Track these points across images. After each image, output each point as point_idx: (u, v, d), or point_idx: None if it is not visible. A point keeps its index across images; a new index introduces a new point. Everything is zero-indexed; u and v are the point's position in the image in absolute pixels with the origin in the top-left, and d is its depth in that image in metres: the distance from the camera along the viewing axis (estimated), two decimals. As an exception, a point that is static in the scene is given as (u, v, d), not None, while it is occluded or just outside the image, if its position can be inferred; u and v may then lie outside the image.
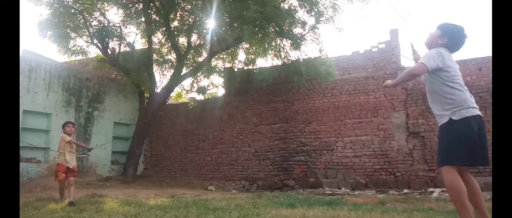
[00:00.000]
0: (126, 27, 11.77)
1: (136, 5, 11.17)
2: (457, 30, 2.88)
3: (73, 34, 11.32)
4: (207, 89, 12.82)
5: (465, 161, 2.71)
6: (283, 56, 10.30)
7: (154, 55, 12.04)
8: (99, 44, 11.38)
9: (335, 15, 9.69)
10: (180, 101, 14.08)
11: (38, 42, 43.41)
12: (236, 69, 11.89)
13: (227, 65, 12.46)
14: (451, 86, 2.75)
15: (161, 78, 12.76)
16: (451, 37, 2.86)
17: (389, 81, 3.18)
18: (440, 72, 2.77)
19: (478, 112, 2.77)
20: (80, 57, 11.93)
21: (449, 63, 2.78)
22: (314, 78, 9.83)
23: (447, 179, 2.66)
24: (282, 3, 9.78)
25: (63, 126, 6.22)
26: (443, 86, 2.78)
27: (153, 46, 11.87)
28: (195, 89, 12.90)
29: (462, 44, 2.91)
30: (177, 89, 13.01)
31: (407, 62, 9.63)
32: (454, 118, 2.72)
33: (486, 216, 2.65)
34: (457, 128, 2.69)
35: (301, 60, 9.95)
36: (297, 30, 9.86)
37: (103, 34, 11.29)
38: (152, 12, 11.17)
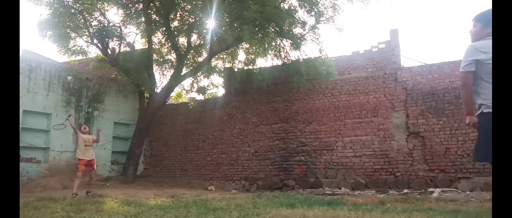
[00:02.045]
0: (126, 27, 11.79)
1: (136, 5, 11.17)
2: (491, 16, 2.61)
3: (73, 34, 11.33)
4: (207, 89, 12.82)
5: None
6: (283, 56, 10.30)
7: (154, 55, 12.04)
8: (99, 44, 11.38)
9: (335, 15, 9.70)
10: (180, 101, 14.08)
11: (38, 42, 43.43)
12: (236, 69, 11.89)
13: (227, 65, 12.46)
14: (485, 80, 2.63)
15: (161, 78, 12.78)
16: (491, 25, 2.60)
17: (473, 119, 2.81)
18: (482, 64, 2.64)
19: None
20: (80, 57, 11.94)
21: (485, 57, 2.61)
22: (314, 78, 9.84)
23: None
24: (282, 3, 9.78)
25: (78, 128, 7.60)
26: (477, 79, 2.69)
27: (153, 46, 11.87)
28: (195, 89, 12.91)
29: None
30: (177, 89, 13.02)
31: (406, 62, 9.64)
32: (484, 110, 2.64)
33: None
34: (487, 123, 2.54)
35: (301, 60, 9.95)
36: (297, 30, 9.86)
37: (103, 34, 11.29)
38: (152, 12, 11.17)
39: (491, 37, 2.59)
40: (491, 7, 2.57)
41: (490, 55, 2.55)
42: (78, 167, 7.16)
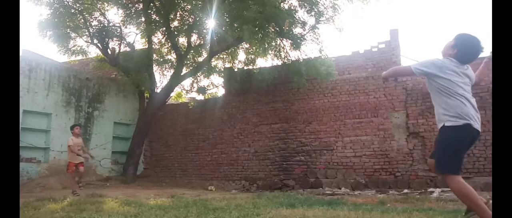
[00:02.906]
0: (126, 27, 11.78)
1: (136, 5, 11.17)
2: (469, 42, 2.87)
3: (73, 34, 11.32)
4: (207, 89, 12.82)
5: (461, 169, 2.77)
6: (283, 56, 10.30)
7: (154, 55, 12.04)
8: (99, 44, 11.38)
9: (335, 15, 9.70)
10: (180, 101, 14.08)
11: (38, 42, 43.43)
12: (236, 69, 11.89)
13: (227, 65, 12.46)
14: (449, 96, 2.79)
15: (161, 78, 12.78)
16: (461, 48, 2.86)
17: (384, 73, 3.21)
18: (437, 79, 2.83)
19: (475, 127, 2.77)
20: (80, 57, 11.93)
21: (449, 73, 2.80)
22: (314, 78, 9.83)
23: (457, 186, 2.69)
24: (282, 3, 9.78)
25: (72, 128, 7.83)
26: (438, 94, 2.85)
27: (153, 46, 11.87)
28: (195, 89, 12.90)
29: (474, 56, 2.89)
30: (177, 89, 13.02)
31: (406, 62, 9.64)
32: (448, 124, 2.79)
33: None
34: (450, 135, 2.77)
35: (301, 60, 9.94)
36: (297, 30, 9.86)
37: (103, 34, 11.29)
38: (152, 12, 11.17)
39: (453, 58, 2.85)
40: (491, 7, 2.58)
41: (444, 74, 2.79)
42: (69, 167, 7.60)
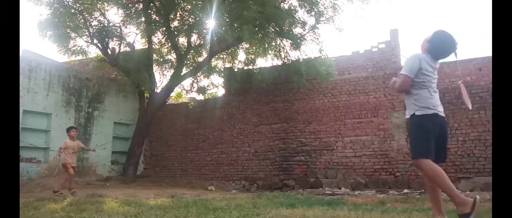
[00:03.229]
0: (126, 27, 11.78)
1: (136, 5, 11.17)
2: (442, 38, 3.06)
3: (73, 34, 11.32)
4: (207, 89, 12.82)
5: (431, 154, 2.96)
6: (283, 56, 10.30)
7: (154, 55, 12.04)
8: (99, 44, 11.38)
9: (335, 15, 9.70)
10: (180, 101, 14.08)
11: (38, 42, 43.43)
12: (236, 69, 11.89)
13: (227, 65, 12.46)
14: (421, 88, 3.02)
15: (161, 78, 12.78)
16: (434, 43, 3.05)
17: (394, 79, 3.32)
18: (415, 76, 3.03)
19: (442, 114, 3.04)
20: (80, 57, 11.93)
21: (426, 68, 3.02)
22: (314, 78, 9.83)
23: (426, 168, 2.90)
24: (282, 3, 9.78)
25: (67, 130, 7.63)
26: (413, 86, 3.05)
27: (153, 46, 11.87)
28: (195, 89, 12.90)
29: (447, 51, 3.10)
30: (177, 89, 13.01)
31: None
32: (417, 113, 3.00)
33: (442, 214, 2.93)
34: (418, 123, 2.99)
35: (301, 60, 9.95)
36: (297, 30, 9.86)
37: (103, 34, 11.29)
38: (152, 12, 11.17)
39: (427, 53, 3.09)
40: (491, 7, 2.58)
41: (427, 66, 3.03)
42: (67, 169, 7.32)
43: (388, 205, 5.33)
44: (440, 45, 3.06)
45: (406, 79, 3.02)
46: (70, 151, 7.31)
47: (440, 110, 3.03)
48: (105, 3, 11.33)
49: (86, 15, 11.27)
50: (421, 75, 3.02)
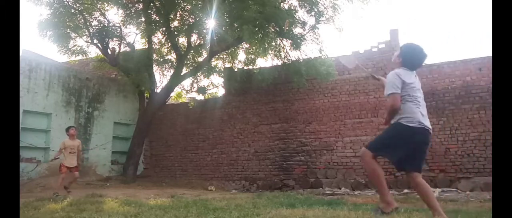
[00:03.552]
0: (126, 27, 11.78)
1: (136, 5, 11.17)
2: (412, 50, 3.20)
3: (73, 34, 11.32)
4: (207, 89, 12.82)
5: (387, 156, 3.21)
6: (283, 56, 10.30)
7: (154, 55, 12.04)
8: (99, 44, 11.38)
9: (335, 15, 9.70)
10: (180, 101, 14.08)
11: (38, 42, 43.43)
12: (236, 69, 11.89)
13: (227, 65, 12.46)
14: (406, 101, 3.10)
15: (161, 78, 12.78)
16: (406, 57, 3.19)
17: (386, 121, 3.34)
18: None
19: (427, 127, 3.09)
20: (80, 57, 11.93)
21: (407, 80, 3.11)
22: (314, 78, 9.83)
23: (366, 160, 3.14)
24: (282, 3, 9.78)
25: (67, 130, 7.57)
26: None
27: (153, 46, 11.87)
28: (195, 89, 12.90)
29: (419, 62, 3.23)
30: (177, 89, 13.02)
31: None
32: (401, 121, 3.09)
33: (441, 215, 2.89)
34: (395, 129, 3.11)
35: (301, 60, 9.94)
36: (297, 30, 9.86)
37: (103, 34, 11.29)
38: (152, 12, 11.17)
39: (402, 67, 3.19)
40: (491, 7, 2.58)
41: (407, 79, 3.11)
42: (61, 169, 7.24)
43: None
44: (411, 57, 3.19)
45: (395, 97, 3.09)
46: (68, 150, 7.21)
47: (426, 124, 3.08)
48: (105, 3, 11.33)
49: (86, 15, 11.27)
50: (406, 87, 3.11)
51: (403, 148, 3.03)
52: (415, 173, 3.10)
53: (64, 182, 7.23)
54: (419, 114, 3.07)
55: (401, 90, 3.09)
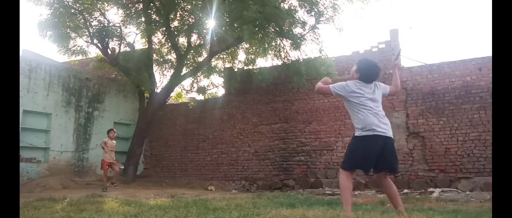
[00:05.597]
0: (126, 27, 11.78)
1: (136, 5, 11.17)
2: (366, 66, 3.49)
3: (73, 34, 11.32)
4: (207, 89, 12.82)
5: (361, 169, 3.39)
6: (283, 56, 10.30)
7: (154, 55, 12.04)
8: (99, 44, 11.38)
9: (335, 15, 9.70)
10: (180, 101, 14.08)
11: (38, 42, 43.44)
12: (236, 69, 11.89)
13: (227, 65, 12.46)
14: (358, 111, 3.34)
15: (161, 78, 12.78)
16: (362, 72, 3.46)
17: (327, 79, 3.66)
18: (349, 98, 3.38)
19: (383, 133, 3.30)
20: (80, 57, 11.93)
21: (358, 92, 3.36)
22: (314, 78, 9.80)
23: (340, 178, 3.36)
24: (282, 3, 9.78)
25: (108, 132, 9.13)
26: (352, 109, 3.41)
27: (153, 46, 11.87)
28: (195, 89, 12.90)
29: (375, 75, 3.50)
30: (177, 89, 13.01)
31: (406, 62, 9.64)
32: (356, 134, 3.33)
33: (404, 215, 3.16)
34: (356, 143, 3.33)
35: (301, 60, 9.94)
36: (297, 30, 9.86)
37: (103, 34, 11.29)
38: (152, 12, 11.17)
39: (358, 81, 3.44)
40: (491, 7, 2.58)
41: (352, 93, 3.37)
42: (102, 167, 8.73)
43: (388, 205, 5.30)
44: (366, 71, 3.46)
45: (325, 88, 3.48)
46: (109, 148, 8.64)
47: (381, 130, 3.28)
48: (105, 3, 11.33)
49: (86, 15, 11.27)
50: (354, 96, 3.35)
51: (368, 157, 3.24)
52: (385, 173, 3.35)
53: (105, 178, 8.69)
54: (371, 121, 3.27)
55: (352, 97, 3.35)
